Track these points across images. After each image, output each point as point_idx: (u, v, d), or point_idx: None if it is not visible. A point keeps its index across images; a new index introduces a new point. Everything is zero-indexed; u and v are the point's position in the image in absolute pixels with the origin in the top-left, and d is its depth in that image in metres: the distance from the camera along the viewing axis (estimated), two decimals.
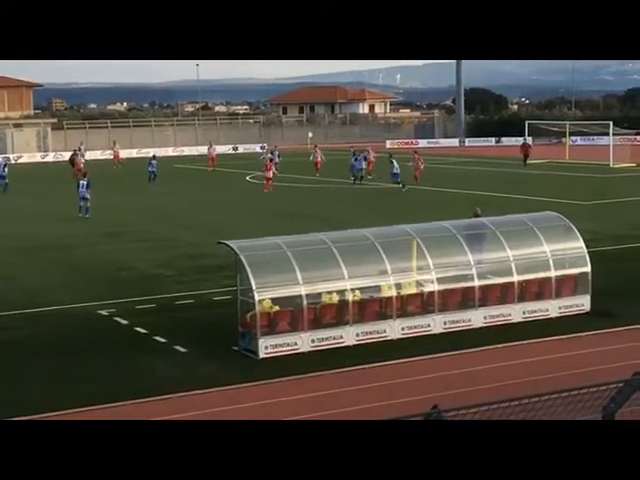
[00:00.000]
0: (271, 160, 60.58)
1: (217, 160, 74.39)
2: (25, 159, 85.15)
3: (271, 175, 55.45)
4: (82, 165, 62.80)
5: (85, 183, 45.75)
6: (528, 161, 70.12)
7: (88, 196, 45.16)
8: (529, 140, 77.50)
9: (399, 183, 54.21)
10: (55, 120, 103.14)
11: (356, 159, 59.71)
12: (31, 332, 23.60)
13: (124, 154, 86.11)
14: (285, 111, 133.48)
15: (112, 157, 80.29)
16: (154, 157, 64.21)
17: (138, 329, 23.50)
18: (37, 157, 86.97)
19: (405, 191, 52.61)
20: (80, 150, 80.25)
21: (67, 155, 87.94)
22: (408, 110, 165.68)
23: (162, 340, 22.45)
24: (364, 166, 60.36)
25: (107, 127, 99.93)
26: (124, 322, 24.28)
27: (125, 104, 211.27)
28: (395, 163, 55.18)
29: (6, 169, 61.21)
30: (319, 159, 65.40)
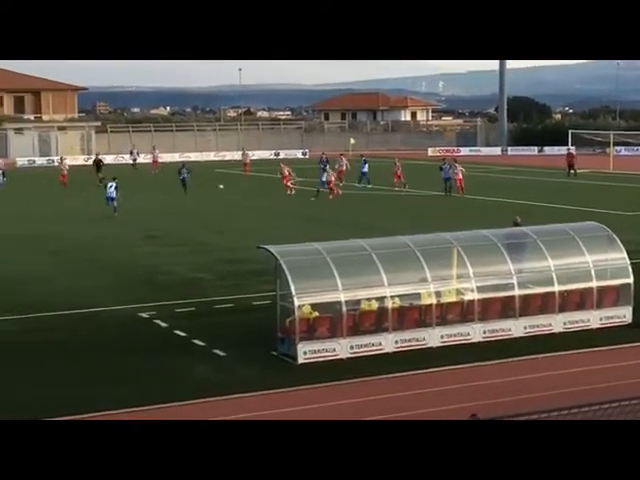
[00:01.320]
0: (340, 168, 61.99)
1: (250, 166, 74.73)
2: (68, 162, 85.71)
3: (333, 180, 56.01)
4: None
5: (114, 185, 48.06)
6: (572, 170, 69.32)
7: (115, 197, 47.67)
8: (573, 150, 76.92)
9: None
10: (99, 123, 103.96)
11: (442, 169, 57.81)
12: (71, 333, 23.77)
13: (167, 158, 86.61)
14: (327, 117, 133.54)
15: (151, 161, 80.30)
16: (183, 165, 61.96)
17: (177, 332, 23.60)
18: (80, 160, 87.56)
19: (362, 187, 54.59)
20: (132, 153, 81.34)
21: (110, 158, 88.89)
22: (450, 118, 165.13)
23: (201, 344, 22.52)
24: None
25: (150, 131, 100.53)
26: (164, 325, 24.40)
27: (168, 108, 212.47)
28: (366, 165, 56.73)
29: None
30: (343, 168, 63.72)
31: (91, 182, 61.45)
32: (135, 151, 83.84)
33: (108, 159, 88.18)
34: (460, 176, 55.97)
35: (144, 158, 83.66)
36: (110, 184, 48.16)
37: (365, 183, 61.97)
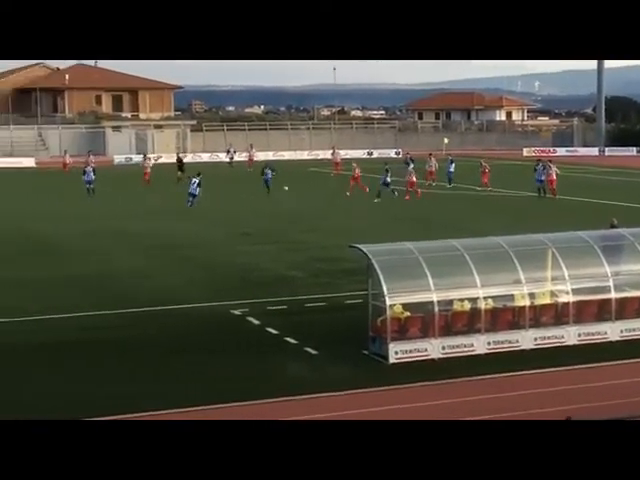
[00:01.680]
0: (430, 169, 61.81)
1: (342, 165, 74.56)
2: (164, 159, 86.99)
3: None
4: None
5: (197, 181, 50.00)
6: None
7: (196, 193, 49.82)
8: None
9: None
10: (194, 122, 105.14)
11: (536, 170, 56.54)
12: (165, 329, 24.09)
13: (261, 156, 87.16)
14: (421, 116, 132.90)
15: (247, 159, 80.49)
16: (267, 165, 61.27)
17: (269, 330, 23.74)
18: (176, 158, 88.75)
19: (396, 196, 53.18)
20: (230, 152, 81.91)
21: (205, 156, 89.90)
22: (546, 118, 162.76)
23: (293, 341, 22.62)
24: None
25: (245, 129, 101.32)
26: (256, 322, 24.56)
27: (262, 107, 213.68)
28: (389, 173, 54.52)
29: None
30: (433, 169, 62.86)
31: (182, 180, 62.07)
32: (232, 149, 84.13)
33: (204, 157, 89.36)
34: (554, 177, 54.67)
35: (239, 156, 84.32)
36: (193, 180, 49.51)
37: (447, 183, 61.51)
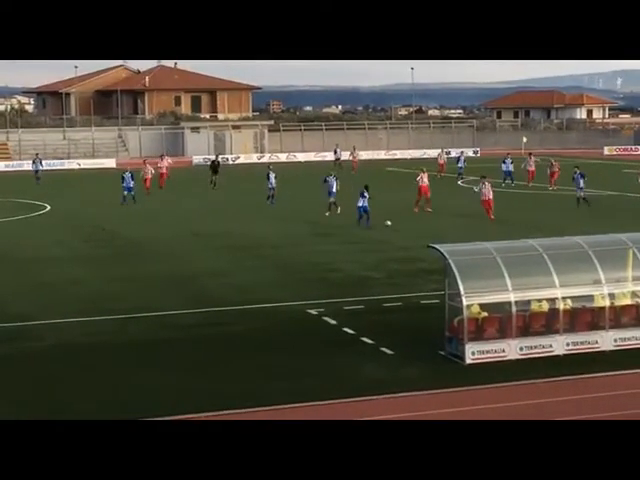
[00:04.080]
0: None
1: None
2: (242, 160, 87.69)
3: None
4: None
5: (273, 175, 51.35)
6: None
7: (272, 186, 51.08)
8: None
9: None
10: (272, 122, 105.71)
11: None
12: (243, 328, 24.27)
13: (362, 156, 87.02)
14: (499, 115, 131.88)
15: (351, 161, 77.01)
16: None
17: (346, 329, 23.75)
18: (253, 158, 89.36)
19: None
20: (337, 152, 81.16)
21: (283, 157, 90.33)
22: (628, 115, 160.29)
23: (369, 341, 22.60)
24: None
25: (322, 129, 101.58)
26: (333, 322, 24.60)
27: (340, 107, 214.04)
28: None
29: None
30: (532, 168, 61.34)
31: (258, 180, 62.21)
32: (339, 150, 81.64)
33: (281, 157, 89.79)
34: (533, 168, 53.57)
35: (315, 156, 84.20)
36: (271, 175, 50.56)
37: (509, 181, 60.71)
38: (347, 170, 74.23)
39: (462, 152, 74.30)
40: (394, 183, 66.07)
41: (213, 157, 71.62)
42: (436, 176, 66.18)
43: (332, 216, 44.92)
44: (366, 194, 42.26)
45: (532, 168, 61.07)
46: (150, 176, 57.90)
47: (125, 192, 52.86)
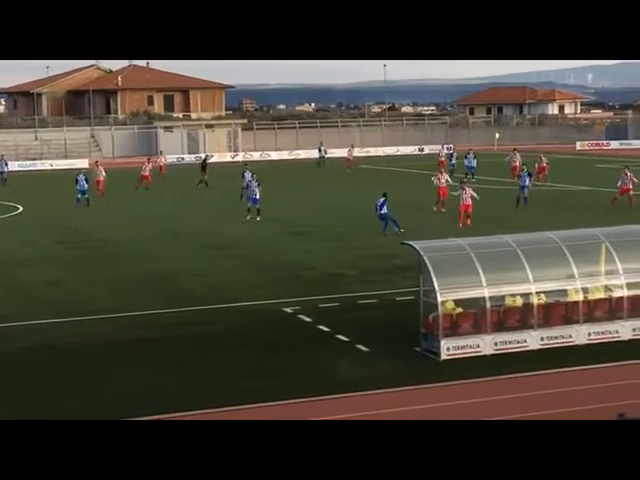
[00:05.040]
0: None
1: (353, 162, 74.53)
2: (216, 159, 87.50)
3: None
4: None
5: (249, 174, 49.34)
6: None
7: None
8: None
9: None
10: (245, 121, 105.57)
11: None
12: (219, 327, 24.27)
13: (310, 154, 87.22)
14: (472, 112, 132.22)
15: (347, 159, 76.68)
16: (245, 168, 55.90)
17: (321, 327, 23.79)
18: (227, 157, 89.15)
19: None
20: (321, 150, 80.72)
21: (257, 155, 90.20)
22: (600, 111, 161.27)
23: (344, 339, 22.64)
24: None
25: (295, 127, 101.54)
26: (308, 320, 24.63)
27: (313, 105, 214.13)
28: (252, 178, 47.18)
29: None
30: (517, 163, 60.38)
31: (234, 179, 62.11)
32: (323, 148, 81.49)
33: (255, 156, 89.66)
34: (630, 186, 46.63)
35: (289, 155, 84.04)
36: (246, 174, 49.73)
37: (470, 177, 60.11)
38: (336, 167, 74.46)
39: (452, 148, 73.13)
40: (368, 180, 66.17)
41: (202, 156, 72.62)
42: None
43: (252, 221, 43.72)
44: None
45: (516, 164, 61.13)
46: (102, 178, 57.17)
47: (79, 195, 52.09)
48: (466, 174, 60.90)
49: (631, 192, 46.39)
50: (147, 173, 61.51)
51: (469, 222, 39.95)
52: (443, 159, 68.20)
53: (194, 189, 60.70)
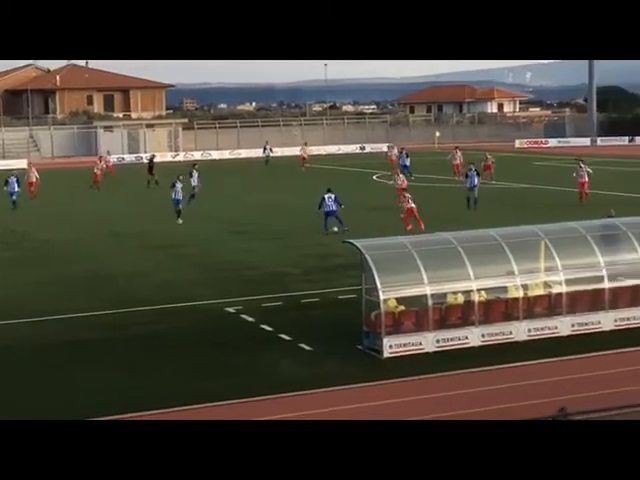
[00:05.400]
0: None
1: (308, 160, 74.81)
2: (157, 158, 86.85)
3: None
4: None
5: (197, 174, 51.04)
6: None
7: (195, 185, 50.35)
8: None
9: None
10: (186, 120, 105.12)
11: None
12: (161, 328, 24.12)
13: (252, 153, 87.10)
14: (412, 110, 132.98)
15: (301, 157, 76.13)
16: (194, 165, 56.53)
17: (264, 327, 23.76)
18: (168, 157, 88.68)
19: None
20: (266, 149, 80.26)
21: (198, 155, 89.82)
22: (538, 109, 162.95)
23: (287, 338, 22.64)
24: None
25: (236, 127, 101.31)
26: (250, 320, 24.58)
27: (254, 104, 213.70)
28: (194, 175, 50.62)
29: None
30: (458, 161, 61.63)
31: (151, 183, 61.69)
32: (269, 147, 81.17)
33: (196, 155, 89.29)
34: (585, 179, 47.50)
35: (230, 154, 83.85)
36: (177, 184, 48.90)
37: (408, 175, 59.83)
38: (281, 166, 74.34)
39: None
40: (310, 179, 66.24)
41: (149, 156, 71.72)
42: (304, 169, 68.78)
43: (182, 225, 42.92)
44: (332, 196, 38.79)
45: (457, 162, 61.61)
46: (35, 180, 56.29)
47: (11, 197, 50.94)
48: (402, 172, 61.01)
49: (585, 186, 46.39)
50: (98, 172, 61.31)
51: (422, 225, 37.55)
52: (394, 158, 67.24)
53: (138, 189, 60.29)
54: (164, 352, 21.77)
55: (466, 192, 46.06)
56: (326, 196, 38.73)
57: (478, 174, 47.13)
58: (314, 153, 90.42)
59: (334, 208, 38.51)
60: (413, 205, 39.24)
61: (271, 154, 79.99)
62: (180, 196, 43.47)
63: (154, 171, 62.55)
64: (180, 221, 42.78)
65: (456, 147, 64.73)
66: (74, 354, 21.85)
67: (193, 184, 51.17)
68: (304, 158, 75.76)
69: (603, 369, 19.67)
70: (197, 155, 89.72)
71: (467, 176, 46.90)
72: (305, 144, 79.65)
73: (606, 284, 22.99)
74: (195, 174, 51.59)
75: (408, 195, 40.10)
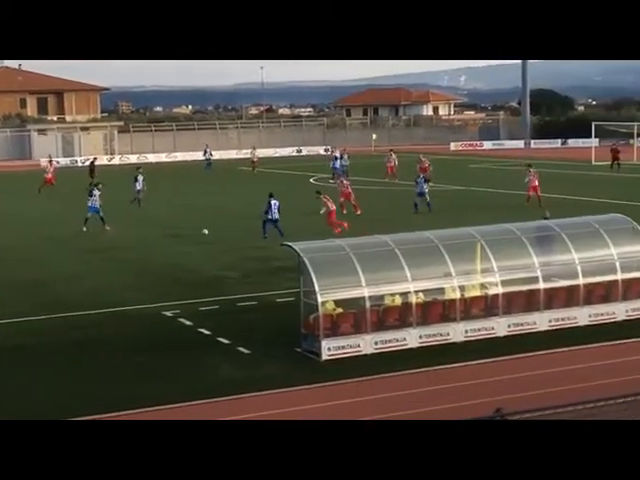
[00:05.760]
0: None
1: (258, 163, 74.66)
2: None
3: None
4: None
5: (142, 177, 51.34)
6: (617, 164, 67.41)
7: (140, 189, 50.77)
8: (595, 142, 76.32)
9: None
10: (121, 123, 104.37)
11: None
12: (98, 332, 23.89)
13: (188, 157, 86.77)
14: (349, 113, 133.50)
15: (251, 161, 75.58)
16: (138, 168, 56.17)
17: (202, 330, 23.67)
18: (104, 160, 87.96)
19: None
20: (206, 152, 79.41)
21: (134, 158, 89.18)
22: (472, 112, 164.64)
23: (225, 341, 22.58)
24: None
25: (172, 130, 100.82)
26: (188, 323, 24.47)
27: (190, 107, 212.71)
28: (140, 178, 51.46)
29: None
30: (393, 164, 62.85)
31: (115, 184, 61.28)
32: (209, 150, 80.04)
33: (132, 159, 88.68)
34: (536, 183, 47.46)
35: (166, 157, 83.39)
36: (139, 177, 49.59)
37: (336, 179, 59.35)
38: (220, 170, 73.98)
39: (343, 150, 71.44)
40: (248, 182, 66.23)
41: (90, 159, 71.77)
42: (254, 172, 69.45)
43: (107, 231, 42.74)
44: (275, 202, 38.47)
45: (391, 164, 62.65)
46: None
47: None
48: (334, 175, 61.29)
49: (538, 190, 46.65)
50: (50, 175, 60.60)
51: (338, 230, 37.45)
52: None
53: (74, 193, 59.55)
54: (101, 357, 21.57)
55: (414, 197, 46.01)
56: (272, 202, 38.42)
57: (426, 180, 47.06)
58: (250, 156, 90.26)
59: (277, 217, 38.24)
60: (333, 207, 39.79)
61: (212, 157, 79.47)
62: (97, 204, 42.14)
63: (95, 174, 62.14)
64: (84, 229, 41.40)
65: (391, 150, 65.56)
66: (5, 361, 21.53)
67: (138, 187, 51.23)
68: (254, 162, 75.12)
69: (538, 369, 19.91)
70: (133, 158, 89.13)
71: (416, 182, 46.79)
72: (254, 148, 79.05)
73: (541, 285, 23.29)
74: (140, 178, 51.65)
75: (327, 197, 40.27)
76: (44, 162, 71.09)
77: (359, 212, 44.02)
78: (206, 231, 39.52)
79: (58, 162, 70.98)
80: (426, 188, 46.01)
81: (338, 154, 67.19)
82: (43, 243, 39.01)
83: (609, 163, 68.42)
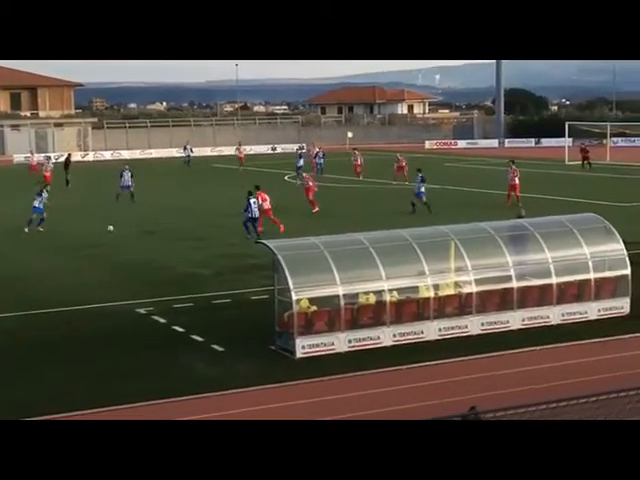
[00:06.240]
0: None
1: (245, 160, 74.58)
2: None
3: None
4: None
5: (129, 174, 51.76)
6: (588, 163, 67.90)
7: (128, 184, 51.30)
8: (568, 141, 76.70)
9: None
10: (95, 119, 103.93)
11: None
12: (70, 330, 23.77)
13: (164, 153, 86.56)
14: (324, 111, 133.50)
15: (238, 157, 74.97)
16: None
17: (176, 328, 23.61)
18: (77, 156, 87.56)
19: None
20: (186, 149, 78.92)
21: (108, 154, 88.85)
22: (447, 111, 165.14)
23: (199, 339, 22.54)
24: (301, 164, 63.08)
25: (147, 127, 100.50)
26: (162, 321, 24.40)
27: (164, 104, 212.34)
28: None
29: None
30: (359, 162, 63.21)
31: (87, 179, 61.30)
32: (189, 147, 79.54)
33: (106, 155, 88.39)
34: (517, 181, 46.81)
35: (140, 154, 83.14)
36: (125, 173, 49.83)
37: (300, 179, 59.11)
38: (199, 166, 73.77)
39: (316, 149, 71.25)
40: (224, 179, 66.15)
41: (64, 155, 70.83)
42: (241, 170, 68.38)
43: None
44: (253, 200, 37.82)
45: (358, 162, 62.88)
46: None
47: None
48: (298, 174, 61.31)
49: (517, 190, 46.30)
50: (48, 173, 59.77)
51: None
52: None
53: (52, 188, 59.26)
54: (73, 355, 21.46)
55: (412, 197, 45.29)
56: (252, 201, 37.87)
57: (423, 180, 45.62)
58: (225, 154, 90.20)
59: (257, 215, 37.85)
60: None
61: (192, 154, 79.14)
62: (42, 205, 41.36)
63: (69, 169, 62.08)
64: (26, 230, 40.38)
65: (354, 149, 66.58)
66: None
67: (123, 184, 51.63)
68: (241, 158, 74.80)
69: (511, 367, 20.00)
70: (107, 155, 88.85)
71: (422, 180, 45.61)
72: (240, 143, 78.65)
73: (514, 284, 23.39)
74: (127, 174, 51.65)
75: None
76: (41, 159, 69.98)
77: (316, 209, 44.28)
78: (111, 227, 39.52)
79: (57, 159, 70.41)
80: (422, 188, 45.25)
81: (320, 152, 67.56)
82: (13, 239, 38.73)
83: (579, 162, 68.87)
